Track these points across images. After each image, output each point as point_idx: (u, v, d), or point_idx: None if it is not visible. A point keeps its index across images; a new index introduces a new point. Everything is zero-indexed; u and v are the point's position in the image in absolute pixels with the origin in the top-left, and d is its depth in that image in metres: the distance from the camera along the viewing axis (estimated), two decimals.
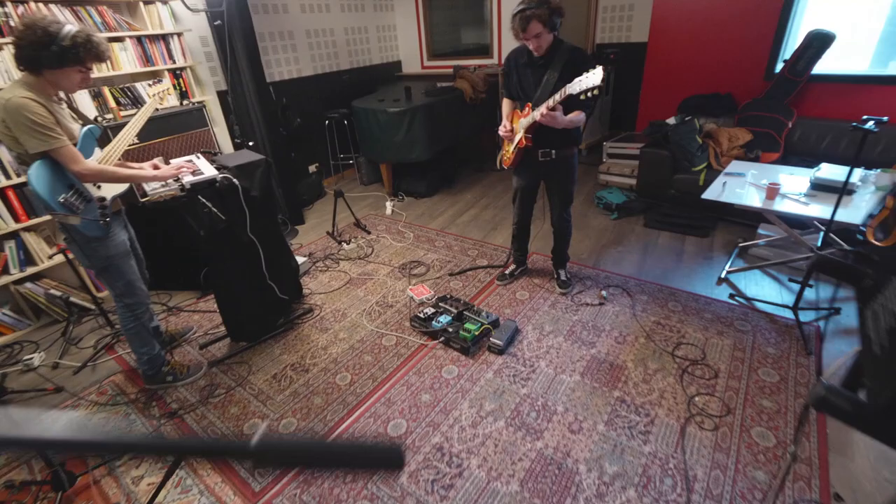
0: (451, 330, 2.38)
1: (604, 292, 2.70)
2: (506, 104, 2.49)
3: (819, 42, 3.26)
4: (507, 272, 2.93)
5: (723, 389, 1.99)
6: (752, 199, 2.48)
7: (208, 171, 2.16)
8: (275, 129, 3.91)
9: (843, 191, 2.05)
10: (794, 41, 3.54)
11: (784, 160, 3.42)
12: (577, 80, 1.96)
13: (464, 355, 2.29)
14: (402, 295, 2.86)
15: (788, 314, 2.38)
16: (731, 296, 2.62)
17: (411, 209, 4.23)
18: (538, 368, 2.18)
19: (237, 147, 3.59)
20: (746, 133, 3.51)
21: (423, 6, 5.48)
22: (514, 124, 2.40)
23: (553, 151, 2.35)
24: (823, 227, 2.36)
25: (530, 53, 2.20)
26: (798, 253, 2.84)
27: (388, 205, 4.19)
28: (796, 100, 3.52)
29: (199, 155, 2.42)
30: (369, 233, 3.77)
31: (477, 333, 2.31)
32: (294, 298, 2.82)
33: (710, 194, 2.57)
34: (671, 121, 3.61)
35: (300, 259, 3.18)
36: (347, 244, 3.51)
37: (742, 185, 2.64)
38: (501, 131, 2.42)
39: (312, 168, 4.86)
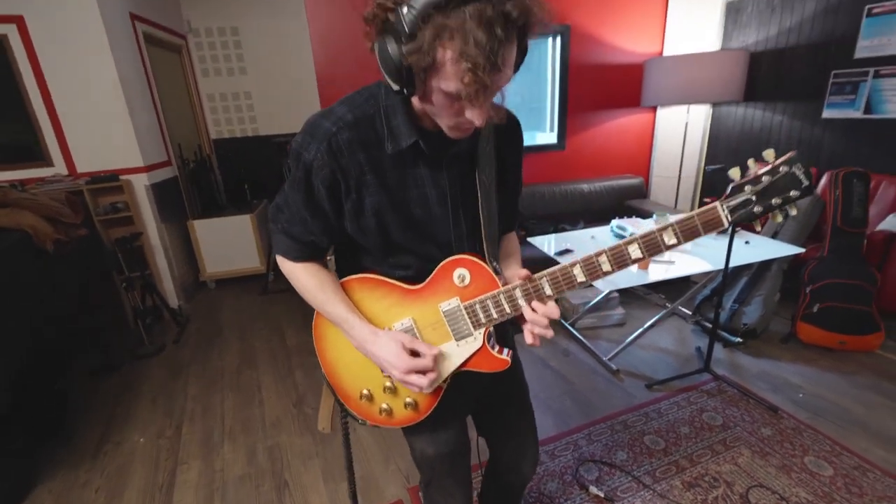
0: None
1: (593, 489, 1.61)
2: (321, 281, 0.89)
3: None
4: None
5: None
6: (631, 275, 2.10)
7: None
8: None
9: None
10: None
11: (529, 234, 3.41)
12: None
13: None
14: None
15: (702, 377, 2.17)
16: (650, 386, 2.17)
17: None
18: None
19: None
20: None
21: None
22: (427, 330, 0.87)
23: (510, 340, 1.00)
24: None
25: (421, 132, 0.76)
26: (610, 309, 2.78)
27: None
28: None
29: None
30: None
31: None
32: None
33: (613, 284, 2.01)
34: None
35: None
36: None
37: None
38: (424, 380, 0.81)
39: None
